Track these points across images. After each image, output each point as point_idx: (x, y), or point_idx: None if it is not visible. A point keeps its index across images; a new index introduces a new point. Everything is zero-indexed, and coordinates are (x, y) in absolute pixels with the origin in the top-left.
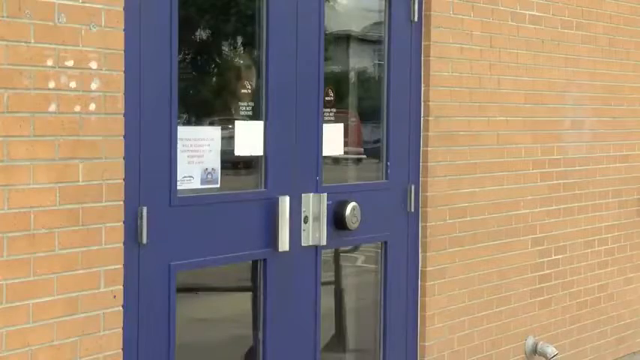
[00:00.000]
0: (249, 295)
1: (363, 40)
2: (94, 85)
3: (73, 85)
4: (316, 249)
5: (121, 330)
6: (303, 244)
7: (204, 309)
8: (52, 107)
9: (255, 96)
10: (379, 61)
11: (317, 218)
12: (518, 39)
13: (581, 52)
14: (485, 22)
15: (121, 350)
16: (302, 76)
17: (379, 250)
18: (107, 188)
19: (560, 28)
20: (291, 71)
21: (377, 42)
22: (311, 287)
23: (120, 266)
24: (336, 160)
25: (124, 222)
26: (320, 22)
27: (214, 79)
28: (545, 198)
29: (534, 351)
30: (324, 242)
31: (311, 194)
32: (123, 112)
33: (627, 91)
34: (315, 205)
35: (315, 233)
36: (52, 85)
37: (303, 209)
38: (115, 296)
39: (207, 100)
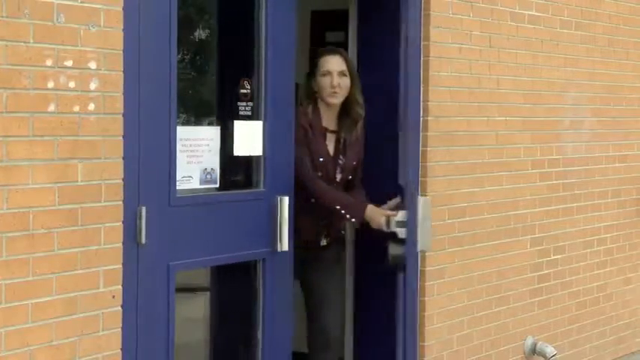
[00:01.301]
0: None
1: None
2: (93, 85)
3: (72, 85)
4: None
5: (120, 330)
6: None
7: (203, 309)
8: (51, 107)
9: (255, 96)
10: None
11: None
12: (518, 39)
13: (580, 52)
14: (485, 22)
15: (120, 350)
16: None
17: None
18: (106, 188)
19: (559, 28)
20: None
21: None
22: None
23: (119, 266)
24: None
25: (123, 222)
26: None
27: (214, 79)
28: (544, 198)
29: (533, 351)
30: None
31: None
32: (122, 112)
33: (626, 91)
34: None
35: None
36: (51, 85)
37: None
38: (114, 296)
39: (206, 100)
